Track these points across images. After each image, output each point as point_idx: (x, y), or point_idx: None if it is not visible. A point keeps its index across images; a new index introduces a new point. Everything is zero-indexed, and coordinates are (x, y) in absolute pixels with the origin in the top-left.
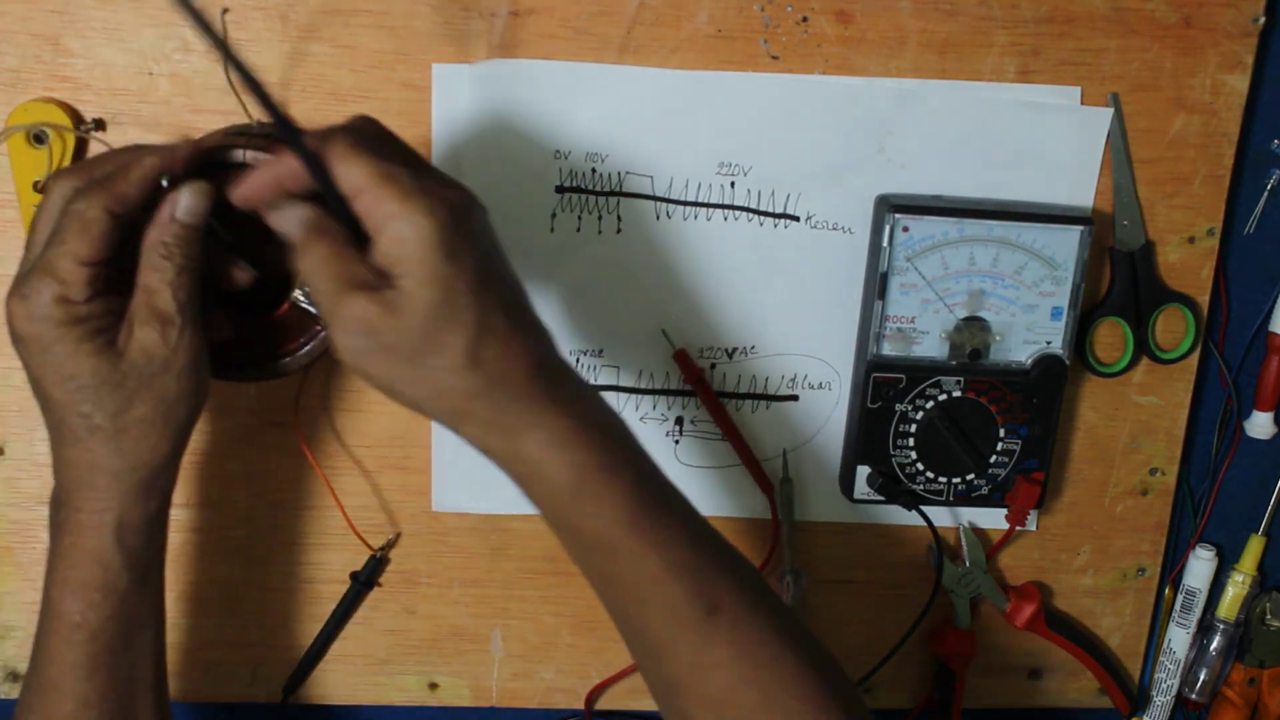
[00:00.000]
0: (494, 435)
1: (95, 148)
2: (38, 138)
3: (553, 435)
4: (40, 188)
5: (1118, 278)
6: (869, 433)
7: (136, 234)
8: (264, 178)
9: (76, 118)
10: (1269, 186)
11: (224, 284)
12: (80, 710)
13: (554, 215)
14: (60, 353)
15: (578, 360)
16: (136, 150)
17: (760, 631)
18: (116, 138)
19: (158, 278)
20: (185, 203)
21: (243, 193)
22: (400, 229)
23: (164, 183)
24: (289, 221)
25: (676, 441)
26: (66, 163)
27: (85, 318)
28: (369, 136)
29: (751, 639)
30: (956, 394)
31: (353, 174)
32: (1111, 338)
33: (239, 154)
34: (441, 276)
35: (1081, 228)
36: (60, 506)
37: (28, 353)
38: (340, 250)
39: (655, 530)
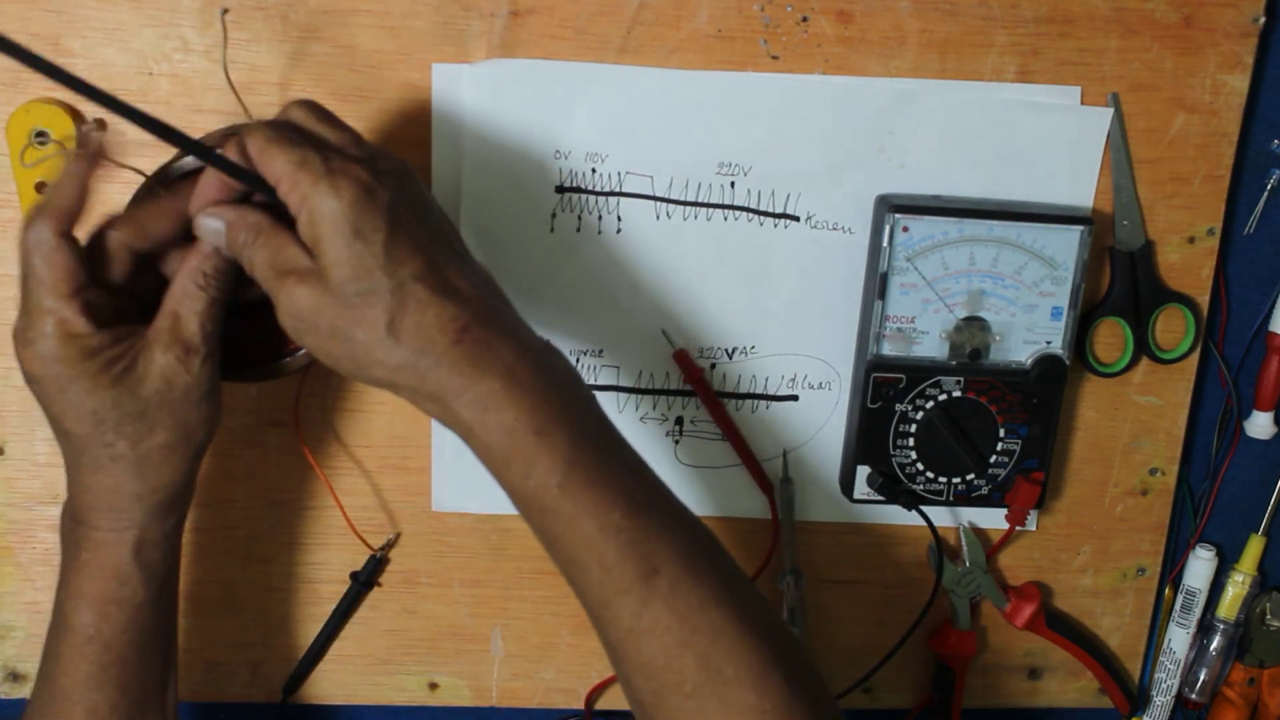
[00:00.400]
0: (427, 402)
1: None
2: (40, 138)
3: (480, 399)
4: (43, 189)
5: (1118, 278)
6: (869, 433)
7: (138, 267)
8: (205, 191)
9: (78, 117)
10: (1269, 186)
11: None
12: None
13: (554, 215)
14: (78, 390)
15: (578, 360)
16: (72, 168)
17: (700, 597)
18: (118, 138)
19: (188, 305)
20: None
21: (194, 208)
22: (310, 211)
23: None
24: (217, 227)
25: (676, 441)
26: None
27: (97, 350)
28: (288, 125)
29: (691, 604)
30: (956, 394)
31: (273, 165)
32: (1111, 338)
33: (188, 163)
34: (350, 254)
35: (1081, 228)
36: (77, 524)
37: (44, 393)
38: (271, 239)
39: (590, 491)
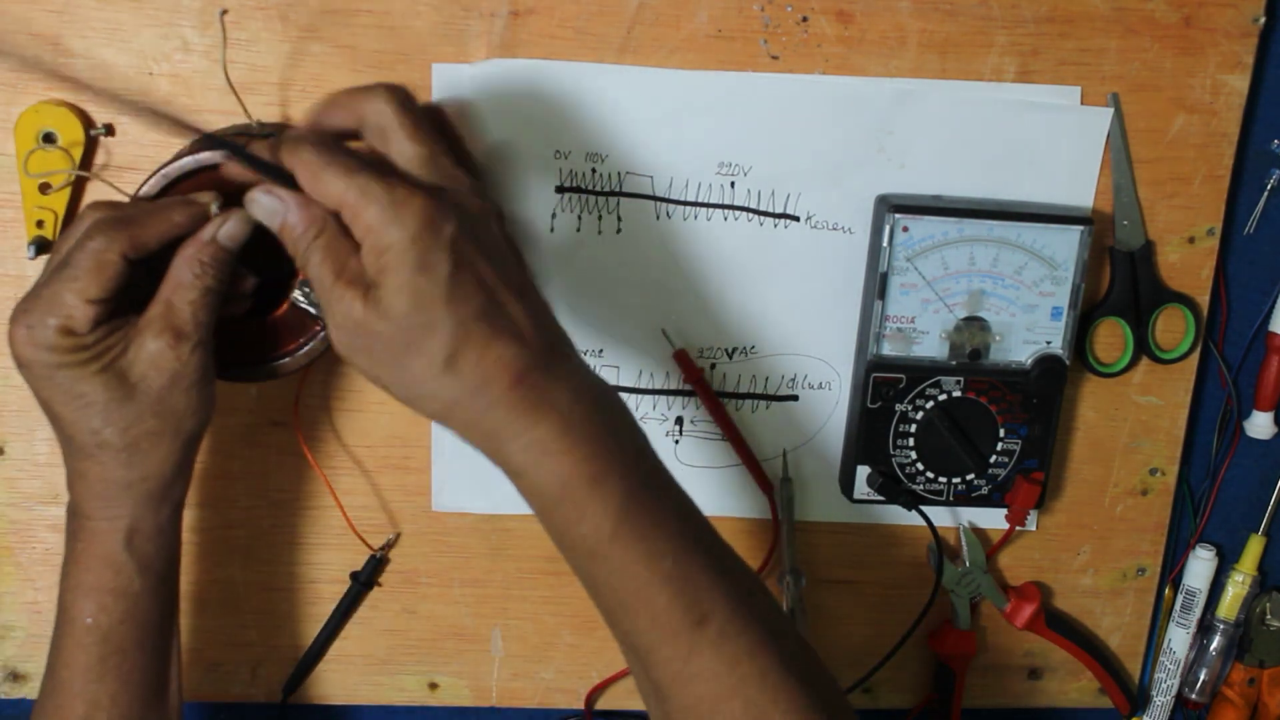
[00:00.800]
0: (478, 438)
1: (101, 152)
2: (48, 140)
3: (534, 444)
4: (47, 190)
5: (1118, 278)
6: (869, 433)
7: (144, 262)
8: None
9: (87, 121)
10: (1269, 186)
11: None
12: (91, 712)
13: (554, 215)
14: (66, 376)
15: None
16: (168, 204)
17: (749, 644)
18: (118, 138)
19: (182, 293)
20: (229, 228)
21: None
22: (374, 242)
23: (214, 208)
24: (274, 207)
25: (676, 441)
26: (75, 166)
27: (89, 346)
28: (334, 143)
29: (739, 651)
30: (956, 394)
31: (329, 190)
32: (1111, 338)
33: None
34: (412, 288)
35: (1081, 228)
36: (74, 515)
37: (33, 377)
38: (336, 243)
39: (642, 541)
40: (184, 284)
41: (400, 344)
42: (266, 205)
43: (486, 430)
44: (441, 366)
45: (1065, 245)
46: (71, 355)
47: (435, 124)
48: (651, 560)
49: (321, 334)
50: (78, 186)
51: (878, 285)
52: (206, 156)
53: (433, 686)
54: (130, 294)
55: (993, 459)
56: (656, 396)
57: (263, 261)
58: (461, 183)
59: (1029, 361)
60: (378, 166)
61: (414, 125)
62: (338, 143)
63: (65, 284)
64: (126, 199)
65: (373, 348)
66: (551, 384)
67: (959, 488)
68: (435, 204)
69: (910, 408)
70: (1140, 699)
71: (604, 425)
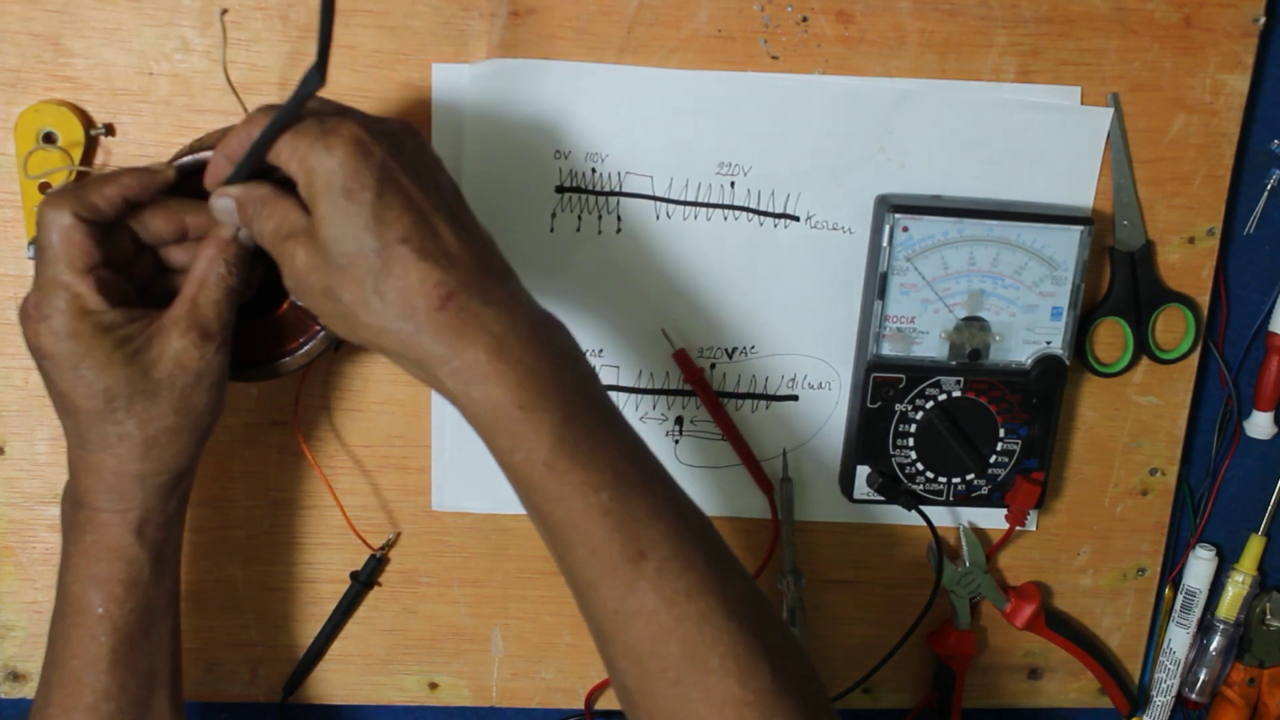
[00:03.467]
0: (412, 367)
1: (101, 152)
2: (48, 140)
3: (463, 369)
4: (47, 190)
5: (1118, 278)
6: (869, 433)
7: (146, 248)
8: (215, 170)
9: (87, 121)
10: (1269, 186)
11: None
12: (100, 702)
13: (554, 215)
14: (92, 365)
15: None
16: (116, 170)
17: (689, 584)
18: (118, 138)
19: (207, 293)
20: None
21: (208, 184)
22: (306, 172)
23: (171, 173)
24: (228, 205)
25: (676, 441)
26: (75, 164)
27: (110, 326)
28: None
29: (678, 590)
30: (956, 394)
31: (278, 145)
32: (1111, 338)
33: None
34: (338, 212)
35: (1081, 228)
36: (79, 507)
37: (56, 370)
38: (275, 206)
39: (577, 471)
40: (209, 283)
41: (333, 277)
42: (222, 206)
43: (418, 357)
44: (369, 291)
45: (1065, 245)
46: (96, 339)
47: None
48: (588, 491)
49: (322, 334)
50: None
51: (878, 285)
52: (188, 160)
53: (433, 686)
54: (149, 290)
55: (993, 459)
56: (656, 396)
57: (263, 259)
58: (390, 119)
59: (1029, 361)
60: (314, 112)
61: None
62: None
63: (49, 264)
64: None
65: (312, 286)
66: (481, 309)
67: (959, 488)
68: (363, 128)
69: (910, 408)
70: (1140, 699)
71: (540, 352)
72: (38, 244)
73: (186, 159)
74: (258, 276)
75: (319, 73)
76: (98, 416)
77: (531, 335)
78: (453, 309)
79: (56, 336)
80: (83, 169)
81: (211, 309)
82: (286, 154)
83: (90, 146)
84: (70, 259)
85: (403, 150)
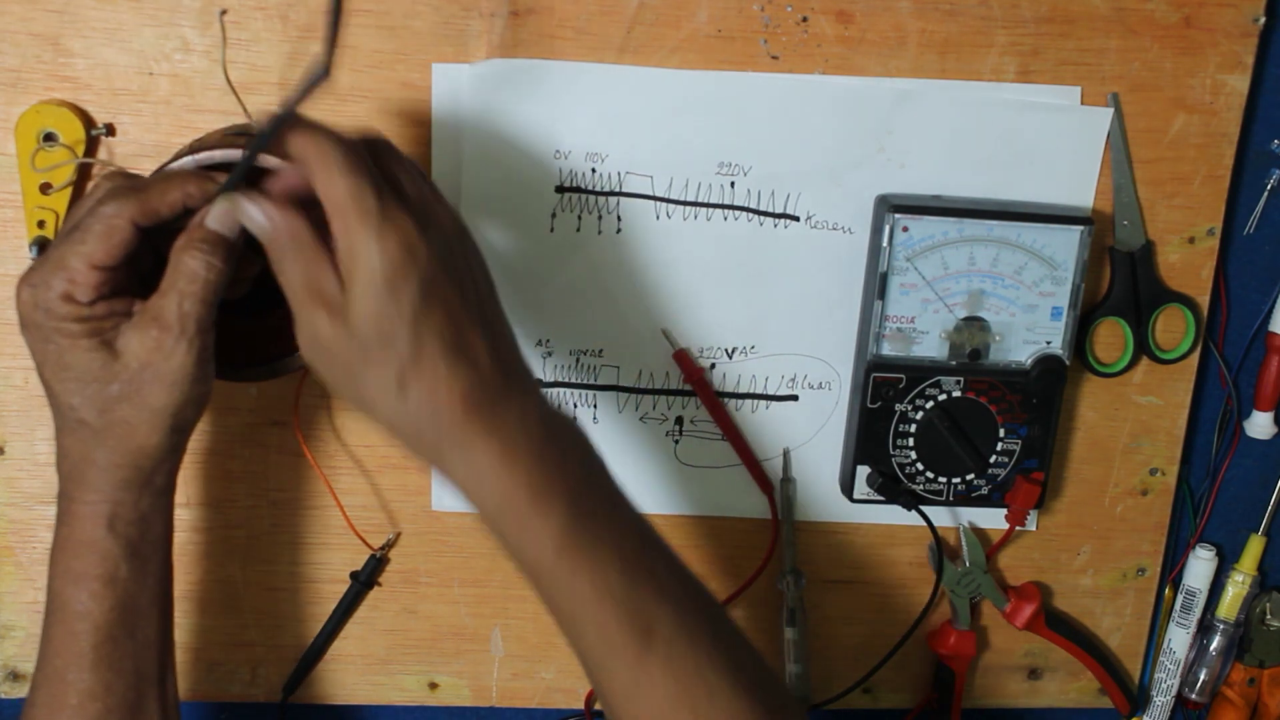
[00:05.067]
0: (423, 454)
1: (102, 152)
2: (49, 140)
3: (477, 464)
4: (48, 190)
5: (1118, 278)
6: (869, 433)
7: (153, 242)
8: (284, 185)
9: (88, 121)
10: (1269, 186)
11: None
12: (85, 702)
13: (554, 215)
14: (59, 343)
15: (577, 360)
16: (183, 174)
17: (696, 660)
18: (118, 138)
19: (179, 289)
20: (217, 215)
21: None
22: (353, 253)
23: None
24: (261, 223)
25: (676, 441)
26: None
27: (87, 318)
28: (349, 143)
29: (687, 667)
30: (956, 394)
31: (329, 188)
32: (1111, 338)
33: (270, 160)
34: (379, 306)
35: (1081, 228)
36: (60, 496)
37: (31, 338)
38: (309, 256)
39: (585, 554)
40: (183, 277)
41: (359, 359)
42: (255, 219)
43: (431, 449)
44: (394, 388)
45: (1065, 245)
46: (68, 323)
47: (389, 155)
48: (596, 574)
49: None
50: (78, 187)
51: (878, 285)
52: (205, 156)
53: (433, 686)
54: (138, 278)
55: (993, 459)
56: (656, 396)
57: (263, 259)
58: (442, 206)
59: (1029, 361)
60: (377, 175)
61: (397, 154)
62: (351, 144)
63: (73, 248)
64: None
65: (333, 359)
66: (502, 412)
67: (959, 488)
68: (418, 230)
69: (910, 408)
70: (1140, 699)
71: (549, 448)
72: (73, 222)
73: (187, 160)
74: (250, 275)
75: (325, 66)
76: (60, 396)
77: (542, 432)
78: (473, 417)
79: (36, 308)
80: (86, 159)
81: (175, 304)
82: (337, 223)
83: (91, 146)
84: (93, 254)
85: (450, 253)
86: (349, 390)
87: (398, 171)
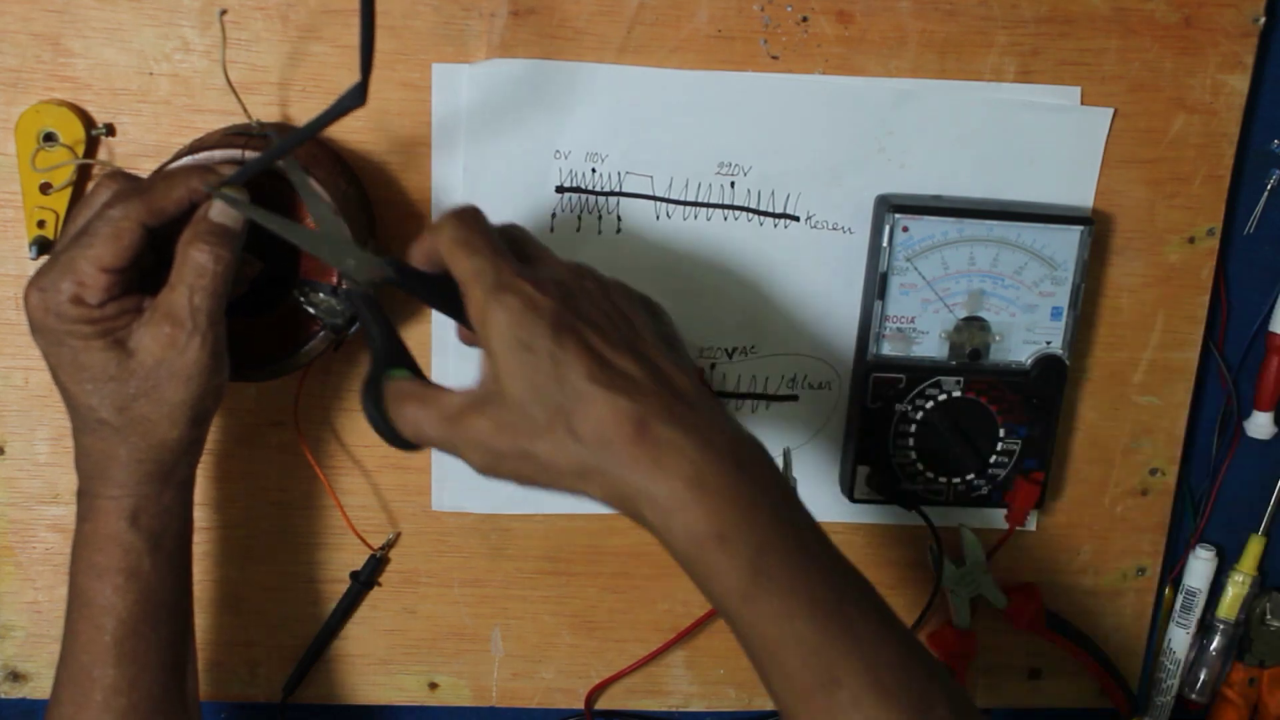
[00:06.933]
0: (615, 500)
1: (102, 152)
2: (48, 140)
3: (662, 503)
4: (48, 190)
5: None
6: (869, 433)
7: (162, 239)
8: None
9: (88, 121)
10: (1269, 186)
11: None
12: (110, 698)
13: (554, 215)
14: (72, 346)
15: None
16: (186, 170)
17: (887, 713)
18: (119, 138)
19: (187, 284)
20: (219, 210)
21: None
22: (484, 320)
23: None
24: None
25: None
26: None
27: (98, 319)
28: (476, 220)
29: (875, 718)
30: (956, 394)
31: (458, 270)
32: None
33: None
34: (521, 364)
35: (1081, 228)
36: (81, 495)
37: (43, 342)
38: (430, 398)
39: (772, 601)
40: (190, 272)
41: (525, 433)
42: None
43: (621, 493)
44: (564, 435)
45: (1065, 245)
46: (80, 325)
47: (506, 237)
48: (781, 620)
49: (322, 334)
50: (79, 187)
51: (878, 285)
52: (205, 156)
53: (433, 686)
54: (146, 274)
55: (993, 459)
56: None
57: (266, 252)
58: (553, 261)
59: (1029, 361)
60: (495, 249)
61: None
62: (477, 218)
63: (82, 251)
64: None
65: (504, 451)
66: (678, 435)
67: (959, 488)
68: (535, 286)
69: (910, 408)
70: (1140, 699)
71: (738, 479)
72: (79, 224)
73: (187, 160)
74: (249, 275)
75: (361, 91)
76: (77, 397)
77: (730, 461)
78: (649, 439)
79: (47, 312)
80: (86, 160)
81: (186, 299)
82: (468, 303)
83: (91, 146)
84: (102, 257)
85: (572, 296)
86: (536, 473)
87: (527, 249)
